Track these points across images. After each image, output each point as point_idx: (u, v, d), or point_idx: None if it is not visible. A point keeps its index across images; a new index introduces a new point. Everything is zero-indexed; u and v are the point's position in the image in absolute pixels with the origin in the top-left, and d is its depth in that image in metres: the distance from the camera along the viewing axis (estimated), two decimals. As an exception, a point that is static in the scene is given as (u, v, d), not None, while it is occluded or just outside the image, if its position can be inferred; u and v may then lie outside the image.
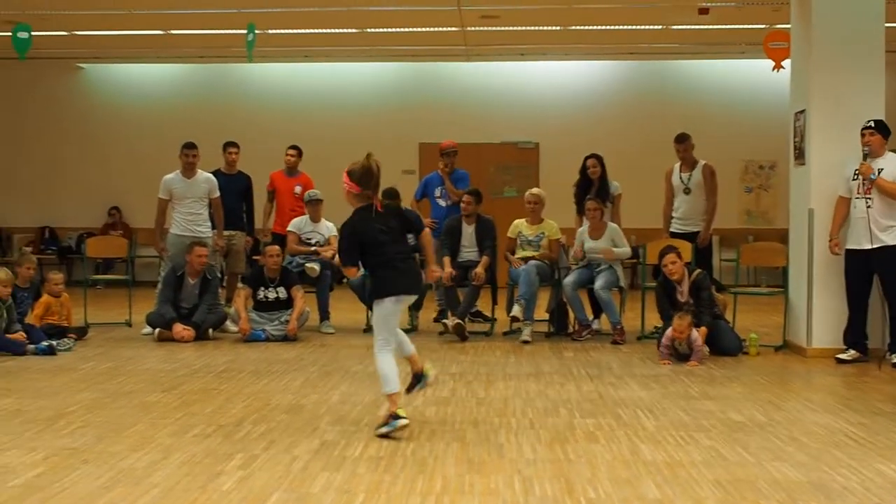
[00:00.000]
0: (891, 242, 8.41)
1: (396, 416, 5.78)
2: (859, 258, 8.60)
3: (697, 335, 8.64)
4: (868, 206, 8.43)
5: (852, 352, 8.66)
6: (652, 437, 5.83)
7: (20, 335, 9.04)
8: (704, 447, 5.59)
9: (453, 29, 14.35)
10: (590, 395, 7.17)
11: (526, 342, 9.81)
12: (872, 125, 8.47)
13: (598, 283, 10.03)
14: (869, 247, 8.48)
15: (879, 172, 8.37)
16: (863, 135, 8.50)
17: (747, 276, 15.24)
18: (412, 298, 6.29)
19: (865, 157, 8.46)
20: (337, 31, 14.60)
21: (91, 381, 7.69)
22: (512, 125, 16.93)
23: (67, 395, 7.07)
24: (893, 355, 8.45)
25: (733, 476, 4.98)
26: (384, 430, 5.79)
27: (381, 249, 6.00)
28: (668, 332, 8.71)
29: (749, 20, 13.58)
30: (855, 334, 8.70)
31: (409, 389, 6.29)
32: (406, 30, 14.50)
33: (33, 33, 11.70)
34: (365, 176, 5.97)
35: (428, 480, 4.90)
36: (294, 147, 12.07)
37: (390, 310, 6.02)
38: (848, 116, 8.49)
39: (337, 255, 10.71)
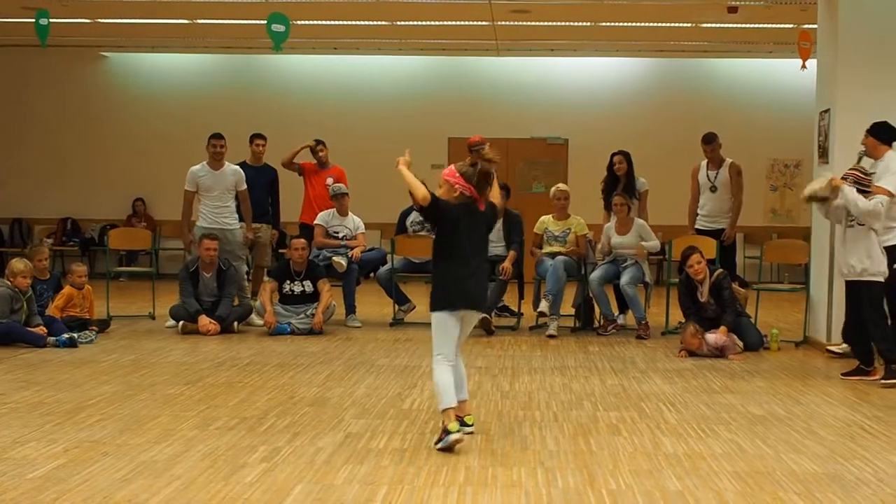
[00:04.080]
0: None
1: (448, 431, 5.48)
2: None
3: (718, 337, 8.79)
4: None
5: (844, 345, 8.77)
6: (674, 430, 5.96)
7: (41, 329, 9.04)
8: (725, 440, 5.73)
9: (483, 23, 14.40)
10: (614, 389, 7.30)
11: (552, 337, 9.94)
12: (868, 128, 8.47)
13: (624, 279, 10.14)
14: None
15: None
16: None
17: (770, 273, 15.28)
18: (475, 317, 5.93)
19: (860, 157, 8.49)
20: (366, 23, 14.65)
21: (113, 373, 7.71)
22: (541, 121, 16.99)
23: (89, 388, 7.08)
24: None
25: (752, 468, 5.12)
26: (440, 445, 5.48)
27: (460, 245, 5.75)
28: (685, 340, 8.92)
29: (777, 19, 13.60)
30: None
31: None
32: (436, 23, 14.51)
33: (56, 20, 11.62)
34: (481, 180, 5.80)
35: (451, 472, 4.99)
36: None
37: (448, 322, 5.71)
38: (871, 116, 8.48)
39: (360, 251, 10.86)
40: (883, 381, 7.54)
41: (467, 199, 5.77)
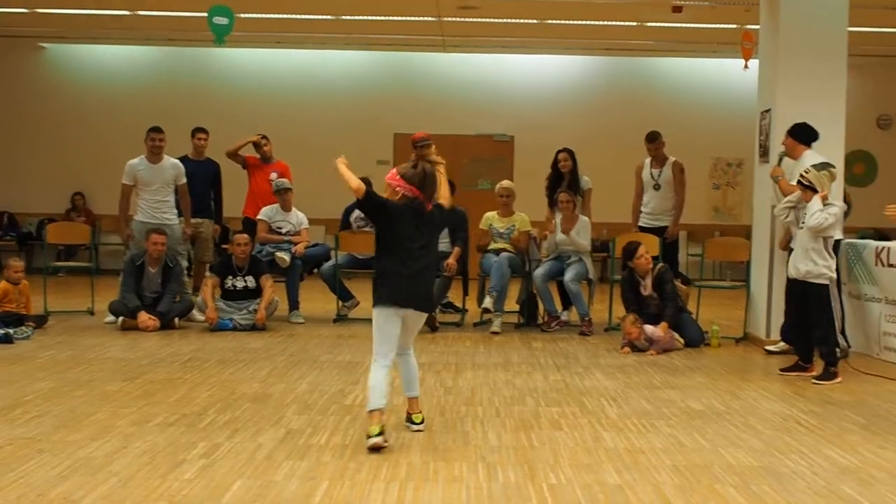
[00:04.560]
0: None
1: (368, 435, 5.38)
2: None
3: (655, 330, 8.90)
4: None
5: (782, 344, 8.93)
6: (614, 425, 6.00)
7: None
8: (664, 434, 5.78)
9: (430, 18, 14.42)
10: (556, 385, 7.33)
11: (496, 333, 9.96)
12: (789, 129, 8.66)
13: (568, 276, 10.18)
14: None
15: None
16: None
17: (713, 270, 15.44)
18: (420, 318, 5.84)
19: (780, 158, 8.68)
20: (311, 17, 14.57)
21: (50, 369, 7.56)
22: (488, 118, 17.04)
23: (24, 384, 6.91)
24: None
25: (690, 462, 5.17)
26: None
27: (403, 243, 5.66)
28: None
29: (721, 20, 13.78)
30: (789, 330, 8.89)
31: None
32: (382, 18, 14.49)
33: (-9, 9, 11.50)
34: (423, 180, 5.68)
35: (393, 467, 4.97)
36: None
37: (388, 320, 5.62)
38: (810, 117, 8.66)
39: (304, 247, 10.80)
40: (815, 380, 7.63)
41: (411, 199, 5.64)
